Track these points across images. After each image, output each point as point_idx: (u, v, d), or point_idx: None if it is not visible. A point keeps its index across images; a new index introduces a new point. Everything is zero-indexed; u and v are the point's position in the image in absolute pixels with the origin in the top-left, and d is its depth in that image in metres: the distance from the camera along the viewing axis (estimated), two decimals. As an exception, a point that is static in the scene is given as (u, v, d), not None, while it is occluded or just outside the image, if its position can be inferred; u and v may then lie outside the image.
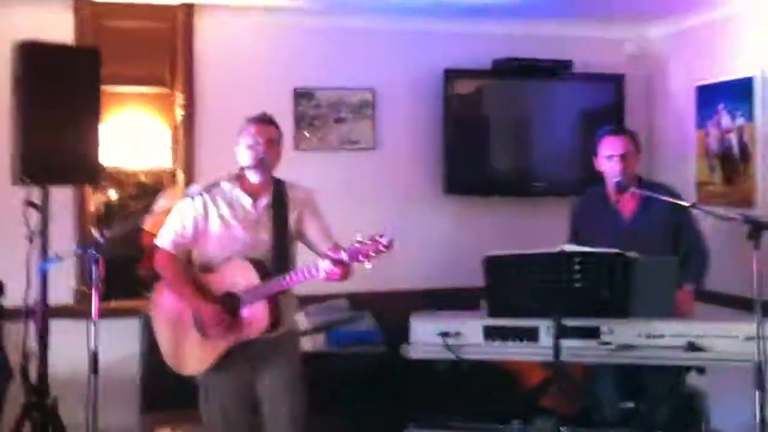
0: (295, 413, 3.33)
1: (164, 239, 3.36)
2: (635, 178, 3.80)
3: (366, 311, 4.66)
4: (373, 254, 2.91)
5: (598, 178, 3.88)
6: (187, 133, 4.59)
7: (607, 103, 5.14)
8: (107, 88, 4.37)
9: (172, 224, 3.37)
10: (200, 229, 3.32)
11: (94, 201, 4.62)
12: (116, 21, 4.53)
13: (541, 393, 4.04)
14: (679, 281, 3.69)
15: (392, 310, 3.81)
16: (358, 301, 4.71)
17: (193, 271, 3.36)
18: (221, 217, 3.31)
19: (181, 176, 4.58)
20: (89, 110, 3.61)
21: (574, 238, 3.87)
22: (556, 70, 5.06)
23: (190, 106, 4.59)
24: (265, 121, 3.38)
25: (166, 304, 3.40)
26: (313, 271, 3.08)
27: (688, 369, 3.65)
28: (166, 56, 4.62)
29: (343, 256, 2.98)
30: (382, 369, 4.20)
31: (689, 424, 4.21)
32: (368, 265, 2.96)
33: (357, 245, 2.93)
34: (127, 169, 4.73)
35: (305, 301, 4.03)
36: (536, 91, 5.14)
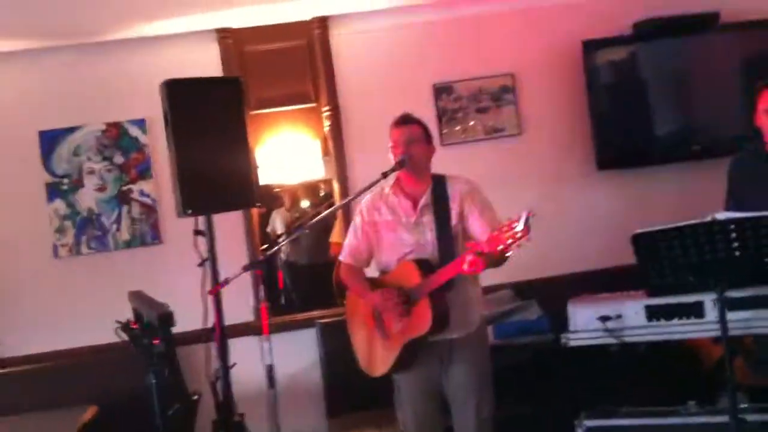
0: (483, 415, 3.40)
1: (344, 253, 3.58)
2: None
3: (532, 299, 4.63)
4: (510, 241, 2.90)
5: (758, 135, 3.65)
6: (335, 143, 4.76)
7: (764, 50, 4.80)
8: (257, 112, 4.68)
9: (349, 238, 3.58)
10: (372, 238, 3.49)
11: (278, 218, 4.91)
12: (258, 45, 4.76)
13: (723, 368, 3.85)
14: None
15: (558, 296, 3.75)
16: (523, 289, 4.71)
17: (369, 277, 3.54)
18: (387, 223, 3.44)
19: (335, 185, 4.76)
20: (238, 136, 3.80)
21: (733, 202, 3.67)
22: (703, 23, 4.79)
23: (335, 117, 4.76)
24: (402, 122, 3.45)
25: (357, 311, 3.56)
26: (460, 264, 3.12)
27: None
28: (307, 72, 4.80)
29: (483, 247, 2.99)
30: (552, 357, 4.15)
31: None
32: (509, 254, 2.96)
33: (495, 233, 2.94)
34: (286, 185, 4.95)
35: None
36: (685, 48, 4.88)
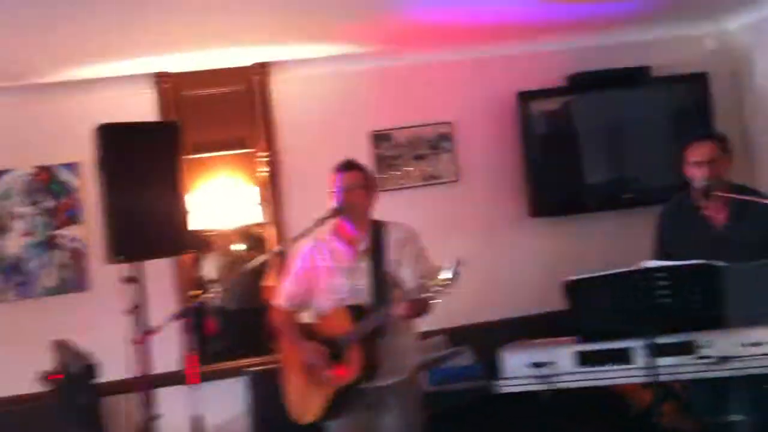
0: None
1: (279, 297, 3.55)
2: (725, 184, 3.66)
3: (465, 346, 4.64)
4: (437, 289, 2.90)
5: (687, 186, 3.75)
6: (272, 188, 4.74)
7: (692, 104, 4.96)
8: (193, 157, 4.63)
9: (285, 282, 3.55)
10: (311, 283, 3.46)
11: (210, 264, 4.83)
12: (196, 90, 4.74)
13: (652, 413, 3.89)
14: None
15: (491, 341, 3.75)
16: (456, 335, 4.70)
17: (302, 323, 3.53)
18: (327, 268, 3.43)
19: (271, 230, 4.72)
20: (171, 182, 3.77)
21: (660, 250, 3.75)
22: (634, 77, 4.93)
23: (273, 163, 4.75)
24: (343, 168, 3.45)
25: (291, 356, 3.51)
26: (390, 311, 3.12)
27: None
28: (246, 117, 4.79)
29: (406, 298, 3.03)
30: (485, 404, 4.14)
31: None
32: (438, 300, 2.96)
33: (422, 281, 2.95)
34: (221, 230, 4.89)
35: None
36: (617, 100, 5.01)
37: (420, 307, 3.13)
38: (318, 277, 3.45)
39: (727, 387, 3.46)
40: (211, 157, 4.78)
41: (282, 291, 3.55)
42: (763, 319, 3.18)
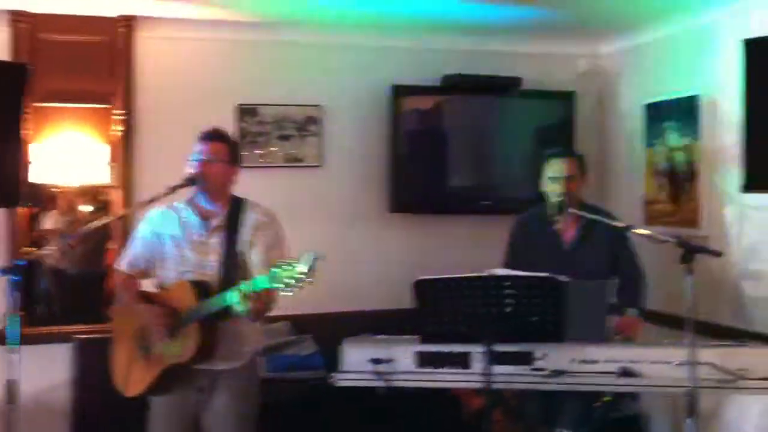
0: None
1: (121, 260, 3.38)
2: (578, 203, 3.76)
3: (308, 335, 4.57)
4: (293, 282, 2.78)
5: (542, 200, 3.82)
6: (125, 149, 4.49)
7: (557, 120, 5.09)
8: (43, 105, 4.33)
9: (129, 246, 3.37)
10: (155, 250, 3.29)
11: (49, 221, 4.53)
12: (54, 34, 4.42)
13: (483, 419, 3.96)
14: (621, 308, 3.67)
15: (335, 333, 3.69)
16: (300, 324, 4.62)
17: (143, 290, 3.36)
18: (173, 238, 3.26)
19: (118, 193, 4.47)
20: (14, 128, 3.49)
21: (510, 259, 3.81)
22: (506, 86, 5.00)
23: (129, 122, 4.49)
24: (206, 137, 3.26)
25: (123, 325, 3.35)
26: (232, 300, 2.96)
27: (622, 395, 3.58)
28: (105, 71, 4.51)
29: (253, 289, 2.88)
30: (322, 395, 4.09)
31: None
32: (289, 293, 2.84)
33: (275, 270, 2.82)
34: (66, 187, 4.59)
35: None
36: (486, 107, 5.08)
37: (267, 300, 3.00)
38: (164, 246, 3.28)
39: (557, 400, 3.57)
40: (63, 108, 4.46)
41: (125, 255, 3.38)
42: (594, 337, 3.29)
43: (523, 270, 3.22)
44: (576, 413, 3.49)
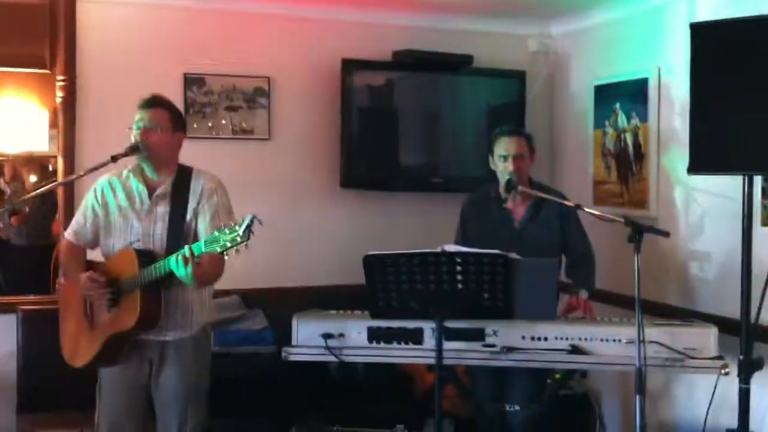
0: (188, 425, 3.19)
1: (68, 230, 3.33)
2: (528, 181, 3.77)
3: (258, 309, 4.51)
4: (228, 245, 2.71)
5: (493, 178, 3.82)
6: (66, 116, 4.33)
7: (508, 99, 5.07)
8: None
9: (76, 215, 3.33)
10: (101, 220, 3.24)
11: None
12: (-8, -4, 4.24)
13: (434, 395, 3.96)
14: (572, 287, 3.69)
15: (286, 308, 3.66)
16: (251, 298, 4.57)
17: (89, 260, 3.32)
18: (119, 207, 3.21)
19: (60, 161, 4.32)
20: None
21: (462, 237, 3.80)
22: (457, 64, 4.97)
23: (71, 89, 4.33)
24: (147, 104, 3.20)
25: (70, 296, 3.30)
26: (173, 262, 2.90)
27: (572, 372, 3.61)
28: (45, 34, 4.34)
29: (188, 253, 2.81)
30: (272, 370, 4.05)
31: (582, 427, 4.22)
32: (226, 257, 2.81)
33: (216, 233, 2.76)
34: (7, 154, 4.42)
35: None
36: (437, 84, 5.05)
37: (209, 266, 2.93)
38: (110, 216, 3.22)
39: (508, 377, 3.59)
40: (1, 72, 4.29)
41: (71, 225, 3.33)
42: (544, 314, 3.31)
43: (476, 247, 3.22)
44: (526, 390, 3.51)
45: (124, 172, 3.25)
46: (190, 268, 2.82)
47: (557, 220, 3.74)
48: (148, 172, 3.22)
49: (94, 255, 3.38)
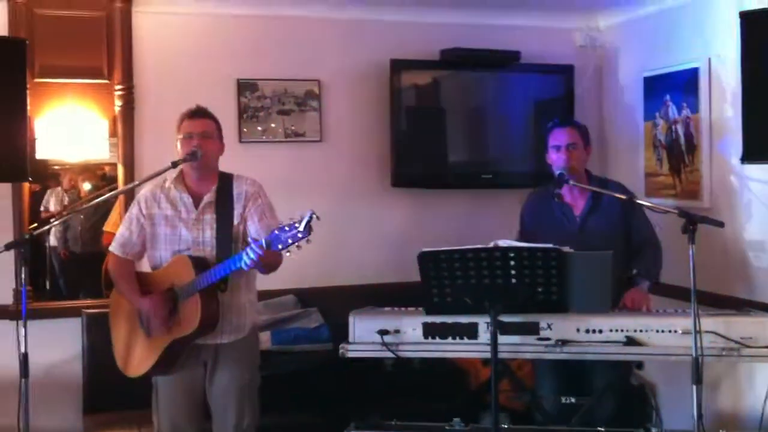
0: (243, 425, 3.29)
1: (114, 243, 3.39)
2: (584, 173, 3.77)
3: (314, 308, 4.59)
4: (290, 241, 2.81)
5: (550, 173, 3.83)
6: (125, 125, 4.47)
7: (556, 94, 5.08)
8: (43, 81, 4.30)
9: (121, 228, 3.39)
10: (147, 232, 3.32)
11: (53, 199, 4.54)
12: (51, 10, 4.38)
13: (491, 389, 3.99)
14: (635, 278, 3.68)
15: (341, 306, 3.72)
16: (306, 297, 4.65)
17: (139, 271, 3.39)
18: (166, 218, 3.29)
19: (120, 169, 4.45)
20: (15, 104, 3.48)
21: (522, 233, 3.82)
22: (504, 60, 4.99)
23: (128, 98, 4.47)
24: (199, 114, 3.32)
25: (121, 305, 3.38)
26: (237, 261, 3.00)
27: (632, 363, 3.61)
28: (103, 46, 4.47)
29: (263, 244, 2.90)
30: (329, 367, 4.12)
31: (638, 419, 4.21)
32: (288, 254, 2.89)
33: (276, 233, 2.85)
34: (67, 162, 4.57)
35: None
36: (486, 82, 5.08)
37: (271, 259, 3.02)
38: (157, 227, 3.31)
39: (564, 370, 3.61)
40: (62, 83, 4.42)
41: (118, 238, 3.40)
42: (599, 307, 3.31)
43: (538, 242, 3.24)
44: (601, 386, 3.54)
45: (166, 183, 3.34)
46: (261, 257, 2.90)
47: (619, 210, 3.72)
48: (193, 180, 3.31)
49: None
